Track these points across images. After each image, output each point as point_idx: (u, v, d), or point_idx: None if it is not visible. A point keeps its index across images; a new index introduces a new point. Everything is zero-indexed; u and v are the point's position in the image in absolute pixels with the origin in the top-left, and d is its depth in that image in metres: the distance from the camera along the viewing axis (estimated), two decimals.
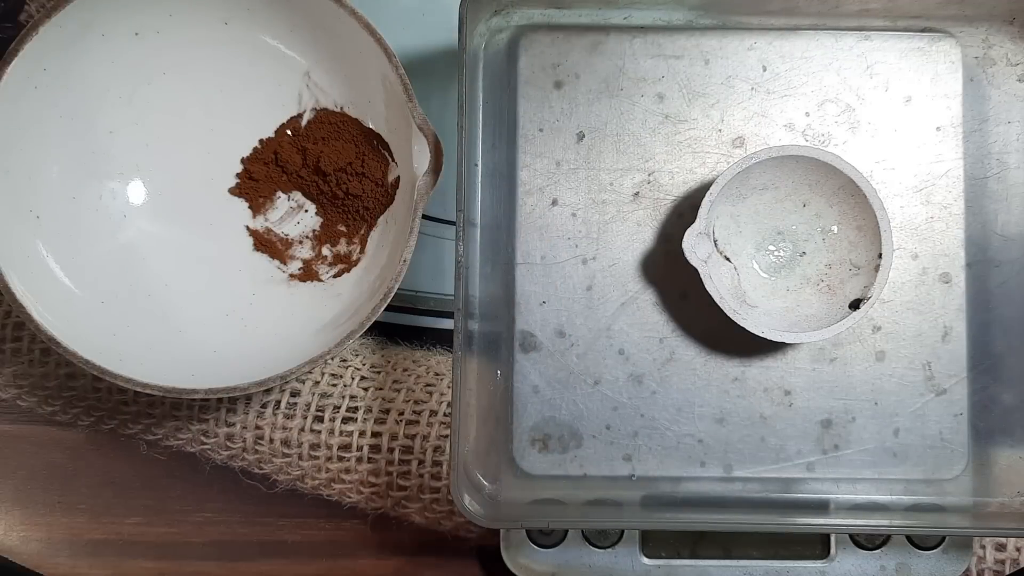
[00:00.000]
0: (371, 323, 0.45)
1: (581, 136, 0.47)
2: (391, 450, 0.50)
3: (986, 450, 0.47)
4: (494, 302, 0.47)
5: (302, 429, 0.51)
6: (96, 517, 0.51)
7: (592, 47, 0.47)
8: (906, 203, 0.47)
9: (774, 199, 0.46)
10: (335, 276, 0.50)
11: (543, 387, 0.47)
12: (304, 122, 0.51)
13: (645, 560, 0.48)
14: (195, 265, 0.50)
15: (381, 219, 0.50)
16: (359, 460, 0.50)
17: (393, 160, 0.50)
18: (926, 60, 0.47)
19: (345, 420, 0.51)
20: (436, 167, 0.46)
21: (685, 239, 0.44)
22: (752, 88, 0.47)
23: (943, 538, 0.48)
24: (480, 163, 0.47)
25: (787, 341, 0.44)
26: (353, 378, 0.51)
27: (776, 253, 0.46)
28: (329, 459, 0.51)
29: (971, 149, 0.47)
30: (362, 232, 0.50)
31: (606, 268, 0.47)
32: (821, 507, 0.46)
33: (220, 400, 0.51)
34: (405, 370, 0.52)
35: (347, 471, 0.51)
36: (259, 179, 0.51)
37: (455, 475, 0.44)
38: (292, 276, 0.51)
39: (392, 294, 0.45)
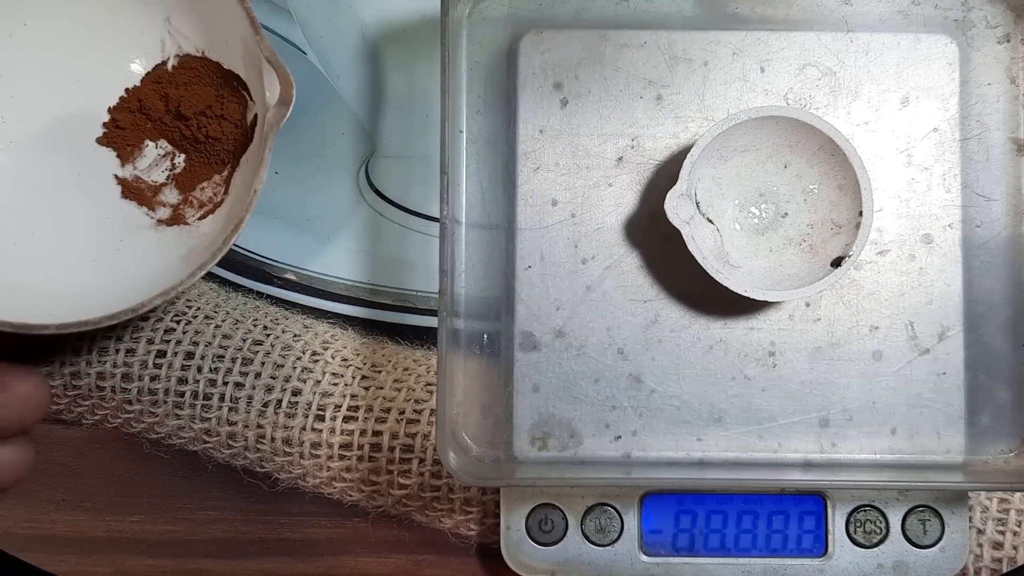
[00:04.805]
0: (223, 254, 0.44)
1: (564, 102, 0.47)
2: (392, 449, 0.50)
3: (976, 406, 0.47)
4: (487, 269, 0.47)
5: (303, 428, 0.50)
6: (99, 515, 0.51)
7: (577, 13, 0.47)
8: (887, 165, 0.46)
9: (755, 161, 0.45)
10: (200, 218, 0.50)
11: (542, 382, 0.47)
12: (169, 69, 0.50)
13: (644, 558, 0.48)
14: (63, 214, 0.50)
15: (243, 159, 0.49)
16: (360, 459, 0.50)
17: (251, 99, 0.49)
18: (907, 24, 0.47)
19: (346, 419, 0.50)
20: (285, 98, 0.45)
21: (667, 200, 0.43)
22: (734, 53, 0.47)
23: (940, 536, 0.47)
24: (465, 130, 0.47)
25: (770, 299, 0.44)
26: (354, 377, 0.51)
27: (758, 215, 0.46)
28: (330, 458, 0.50)
29: (951, 111, 0.47)
30: (225, 174, 0.50)
31: (592, 232, 0.47)
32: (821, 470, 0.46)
33: (222, 399, 0.50)
34: (406, 369, 0.51)
35: (348, 470, 0.50)
36: (126, 128, 0.50)
37: (441, 435, 0.44)
38: (160, 221, 0.50)
39: (243, 225, 0.44)
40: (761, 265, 0.45)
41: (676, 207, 0.44)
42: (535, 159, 0.47)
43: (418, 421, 0.50)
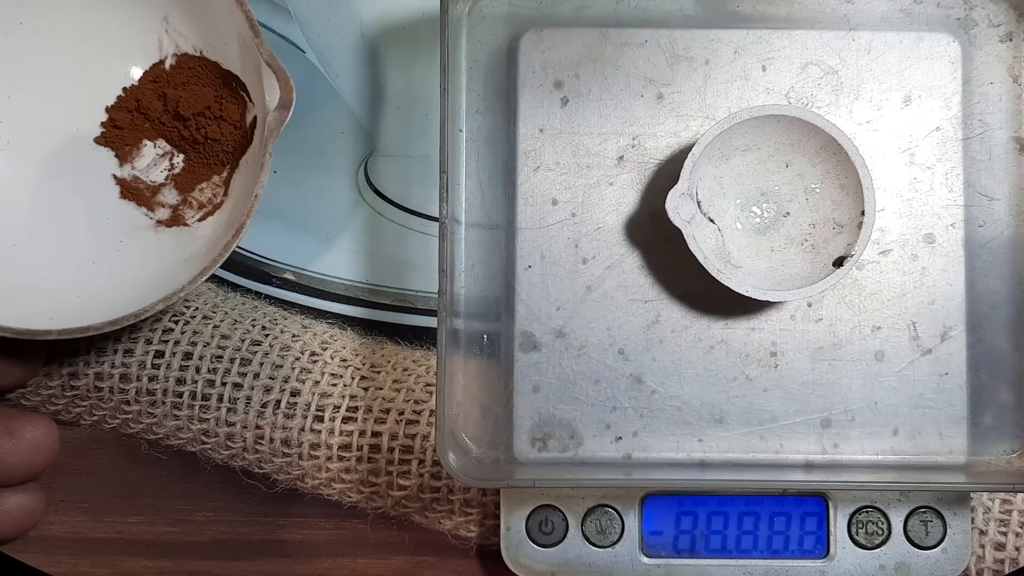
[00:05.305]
0: (224, 259, 0.44)
1: (565, 101, 0.47)
2: (391, 450, 0.50)
3: (978, 401, 0.46)
4: (487, 269, 0.47)
5: (302, 429, 0.50)
6: (98, 516, 0.50)
7: (577, 11, 0.47)
8: (889, 164, 0.46)
9: (757, 160, 0.45)
10: (200, 220, 0.49)
11: (542, 383, 0.47)
12: (166, 68, 0.50)
13: (645, 560, 0.47)
14: (61, 215, 0.50)
15: (243, 160, 0.49)
16: (359, 460, 0.50)
17: (250, 100, 0.49)
18: (909, 22, 0.47)
19: (345, 420, 0.50)
20: (286, 101, 0.45)
21: (668, 199, 0.43)
22: (735, 52, 0.46)
23: (943, 537, 0.47)
24: (464, 129, 0.47)
25: (771, 300, 0.43)
26: (353, 378, 0.51)
27: (760, 214, 0.45)
28: (329, 459, 0.50)
29: (954, 110, 0.47)
30: (224, 175, 0.50)
31: (592, 232, 0.47)
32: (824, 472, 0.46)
33: (220, 399, 0.50)
34: (405, 370, 0.51)
35: (347, 471, 0.50)
36: (124, 127, 0.50)
37: (440, 435, 0.43)
38: (159, 222, 0.50)
39: (244, 230, 0.44)
40: (763, 265, 0.45)
41: (677, 206, 0.43)
42: (535, 158, 0.47)
43: (418, 422, 0.50)
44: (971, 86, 0.47)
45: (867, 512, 0.47)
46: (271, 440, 0.50)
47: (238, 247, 0.52)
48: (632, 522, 0.47)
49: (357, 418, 0.50)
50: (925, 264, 0.46)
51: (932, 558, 0.47)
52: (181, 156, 0.51)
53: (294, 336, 0.51)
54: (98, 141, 0.51)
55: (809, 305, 0.46)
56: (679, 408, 0.46)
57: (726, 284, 0.43)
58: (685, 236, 0.43)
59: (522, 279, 0.46)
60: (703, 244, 0.44)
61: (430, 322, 0.51)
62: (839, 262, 0.44)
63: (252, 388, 0.50)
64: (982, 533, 0.49)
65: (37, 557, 0.51)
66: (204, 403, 0.51)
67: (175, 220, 0.50)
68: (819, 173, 0.45)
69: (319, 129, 0.52)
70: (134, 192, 0.50)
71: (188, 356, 0.51)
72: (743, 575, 0.47)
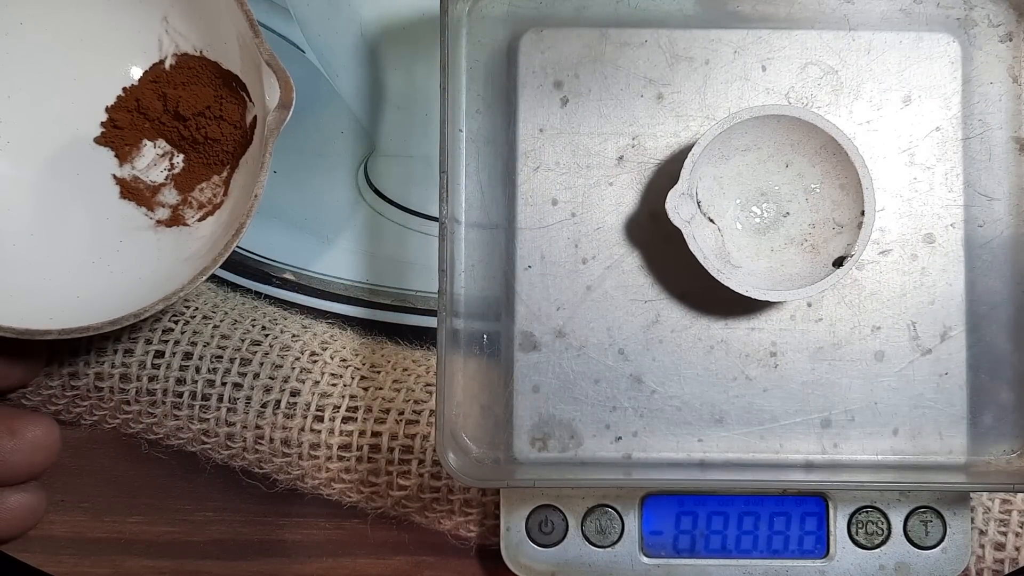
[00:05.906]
0: (224, 258, 0.44)
1: (565, 101, 0.47)
2: (391, 450, 0.50)
3: (978, 399, 0.46)
4: (487, 269, 0.46)
5: (302, 429, 0.50)
6: (98, 516, 0.50)
7: (577, 11, 0.47)
8: (889, 164, 0.46)
9: (757, 160, 0.45)
10: (200, 220, 0.49)
11: (542, 383, 0.47)
12: (166, 68, 0.50)
13: (645, 560, 0.47)
14: (61, 215, 0.50)
15: (243, 160, 0.49)
16: (359, 460, 0.50)
17: (250, 100, 0.49)
18: (909, 22, 0.47)
19: (345, 420, 0.50)
20: (286, 101, 0.45)
21: (668, 199, 0.43)
22: (735, 52, 0.46)
23: (942, 537, 0.47)
24: (464, 129, 0.47)
25: (771, 300, 0.43)
26: (353, 378, 0.51)
27: (760, 214, 0.45)
28: (329, 459, 0.50)
29: (953, 110, 0.47)
30: (224, 175, 0.50)
31: (592, 232, 0.46)
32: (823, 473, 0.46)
33: (220, 399, 0.50)
34: (405, 370, 0.51)
35: (347, 471, 0.50)
36: (124, 127, 0.50)
37: (440, 435, 0.43)
38: (159, 222, 0.50)
39: (244, 230, 0.44)
40: (762, 265, 0.45)
41: (677, 206, 0.43)
42: (535, 158, 0.47)
43: (417, 422, 0.50)
44: (971, 86, 0.47)
45: (867, 512, 0.47)
46: (271, 440, 0.50)
47: (238, 247, 0.52)
48: (632, 522, 0.47)
49: (357, 418, 0.50)
50: (925, 264, 0.46)
51: (932, 558, 0.47)
52: (181, 156, 0.51)
53: (294, 336, 0.51)
54: (98, 141, 0.51)
55: (809, 305, 0.46)
56: (679, 408, 0.46)
57: (726, 284, 0.43)
58: (685, 236, 0.43)
59: (522, 279, 0.46)
60: (703, 244, 0.44)
61: (430, 322, 0.51)
62: (839, 262, 0.44)
63: (252, 388, 0.50)
64: (982, 533, 0.49)
65: (37, 557, 0.51)
66: (204, 403, 0.51)
67: (175, 220, 0.50)
68: (819, 173, 0.45)
69: (319, 129, 0.52)
70: (134, 192, 0.50)
71: (188, 356, 0.51)
72: (743, 575, 0.47)
